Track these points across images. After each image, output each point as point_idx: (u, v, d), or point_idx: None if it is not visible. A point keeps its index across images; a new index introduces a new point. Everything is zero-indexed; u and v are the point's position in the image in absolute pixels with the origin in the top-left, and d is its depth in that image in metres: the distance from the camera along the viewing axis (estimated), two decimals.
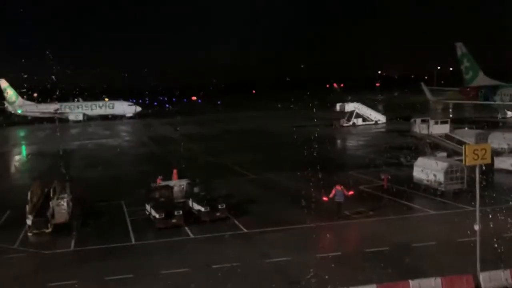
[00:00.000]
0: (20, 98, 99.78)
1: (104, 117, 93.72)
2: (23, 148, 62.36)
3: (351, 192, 24.67)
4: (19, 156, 55.11)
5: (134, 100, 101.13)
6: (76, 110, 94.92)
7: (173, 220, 23.51)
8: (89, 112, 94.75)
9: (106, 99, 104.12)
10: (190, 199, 25.66)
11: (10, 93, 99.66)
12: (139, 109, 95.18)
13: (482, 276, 15.93)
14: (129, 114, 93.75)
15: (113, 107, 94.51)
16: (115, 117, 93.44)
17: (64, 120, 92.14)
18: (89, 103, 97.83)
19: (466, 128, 43.52)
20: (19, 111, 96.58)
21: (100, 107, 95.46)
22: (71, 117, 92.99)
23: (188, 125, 76.78)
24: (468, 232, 17.48)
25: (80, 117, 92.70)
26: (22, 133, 79.99)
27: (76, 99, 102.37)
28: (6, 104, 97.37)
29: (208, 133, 67.31)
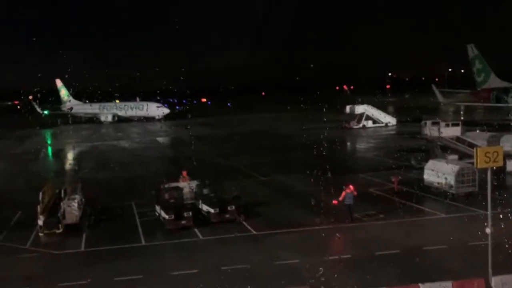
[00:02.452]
0: (72, 98, 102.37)
1: (137, 118, 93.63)
2: (48, 149, 62.84)
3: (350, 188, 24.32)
4: (39, 156, 55.32)
5: (162, 102, 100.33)
6: (106, 111, 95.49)
7: (183, 222, 23.58)
8: (120, 113, 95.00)
9: (117, 101, 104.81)
10: (200, 201, 25.75)
11: (63, 92, 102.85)
12: (167, 111, 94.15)
13: (494, 280, 15.75)
14: (158, 117, 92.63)
15: (142, 109, 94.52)
16: (146, 119, 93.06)
17: (95, 121, 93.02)
18: (122, 104, 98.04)
19: (477, 131, 43.11)
20: (45, 112, 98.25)
21: (132, 108, 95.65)
22: (102, 118, 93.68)
23: (198, 126, 77.08)
24: (480, 235, 17.30)
25: (110, 118, 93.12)
26: (47, 134, 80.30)
27: (112, 100, 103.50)
28: (35, 105, 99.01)
29: (218, 135, 67.47)
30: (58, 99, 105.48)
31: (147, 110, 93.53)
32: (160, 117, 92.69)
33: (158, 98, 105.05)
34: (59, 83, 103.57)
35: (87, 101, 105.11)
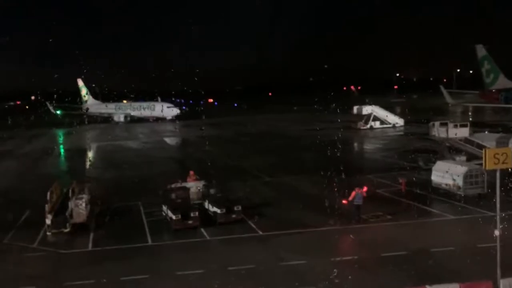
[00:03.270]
0: (91, 98, 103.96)
1: (152, 119, 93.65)
2: (56, 149, 63.15)
3: (365, 189, 24.27)
4: (46, 156, 55.62)
5: (172, 102, 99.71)
6: (121, 111, 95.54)
7: (189, 222, 23.62)
8: (133, 113, 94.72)
9: (125, 101, 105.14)
10: (206, 201, 25.78)
11: (84, 92, 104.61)
12: (177, 111, 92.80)
13: (502, 283, 15.60)
14: (169, 117, 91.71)
15: (154, 109, 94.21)
16: (159, 119, 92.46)
17: (110, 121, 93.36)
18: (136, 104, 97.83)
19: (486, 132, 42.78)
20: (58, 112, 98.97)
21: (144, 108, 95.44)
22: (115, 118, 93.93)
23: (205, 127, 77.12)
24: (488, 237, 17.16)
25: (122, 119, 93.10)
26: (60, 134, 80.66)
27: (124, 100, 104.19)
28: (49, 106, 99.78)
29: (224, 135, 67.53)
30: (74, 99, 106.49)
31: (161, 111, 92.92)
32: (172, 117, 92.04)
33: (173, 99, 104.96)
34: (80, 82, 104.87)
35: (97, 101, 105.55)
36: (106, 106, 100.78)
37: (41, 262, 20.54)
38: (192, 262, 19.59)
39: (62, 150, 61.67)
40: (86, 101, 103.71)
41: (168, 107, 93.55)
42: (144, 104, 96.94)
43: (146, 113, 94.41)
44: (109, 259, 20.48)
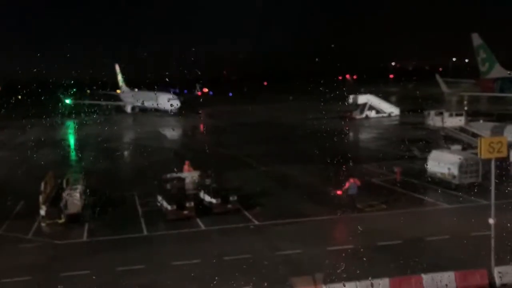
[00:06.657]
0: (124, 85, 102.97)
1: (156, 109, 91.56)
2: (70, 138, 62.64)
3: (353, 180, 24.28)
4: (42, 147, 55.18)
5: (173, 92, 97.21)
6: (129, 101, 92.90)
7: (185, 212, 23.58)
8: (137, 103, 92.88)
9: (118, 91, 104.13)
10: (202, 191, 25.72)
11: (119, 78, 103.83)
12: (179, 103, 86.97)
13: (497, 271, 15.71)
14: (172, 109, 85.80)
15: (156, 100, 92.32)
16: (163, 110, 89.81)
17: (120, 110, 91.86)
18: (145, 94, 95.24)
19: (481, 121, 42.87)
20: (67, 101, 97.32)
21: (152, 99, 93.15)
22: (125, 108, 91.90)
23: (201, 117, 76.91)
24: (483, 226, 17.21)
25: (129, 109, 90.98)
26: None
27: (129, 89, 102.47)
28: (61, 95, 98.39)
29: (219, 125, 67.33)
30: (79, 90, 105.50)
31: (164, 103, 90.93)
32: (175, 109, 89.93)
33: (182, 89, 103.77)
34: (117, 68, 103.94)
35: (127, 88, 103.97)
36: (124, 93, 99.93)
37: (36, 253, 20.47)
38: (187, 252, 19.58)
39: (59, 141, 61.18)
40: (120, 87, 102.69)
41: (169, 99, 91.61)
42: (152, 94, 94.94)
43: (149, 104, 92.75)
44: (104, 249, 20.45)
